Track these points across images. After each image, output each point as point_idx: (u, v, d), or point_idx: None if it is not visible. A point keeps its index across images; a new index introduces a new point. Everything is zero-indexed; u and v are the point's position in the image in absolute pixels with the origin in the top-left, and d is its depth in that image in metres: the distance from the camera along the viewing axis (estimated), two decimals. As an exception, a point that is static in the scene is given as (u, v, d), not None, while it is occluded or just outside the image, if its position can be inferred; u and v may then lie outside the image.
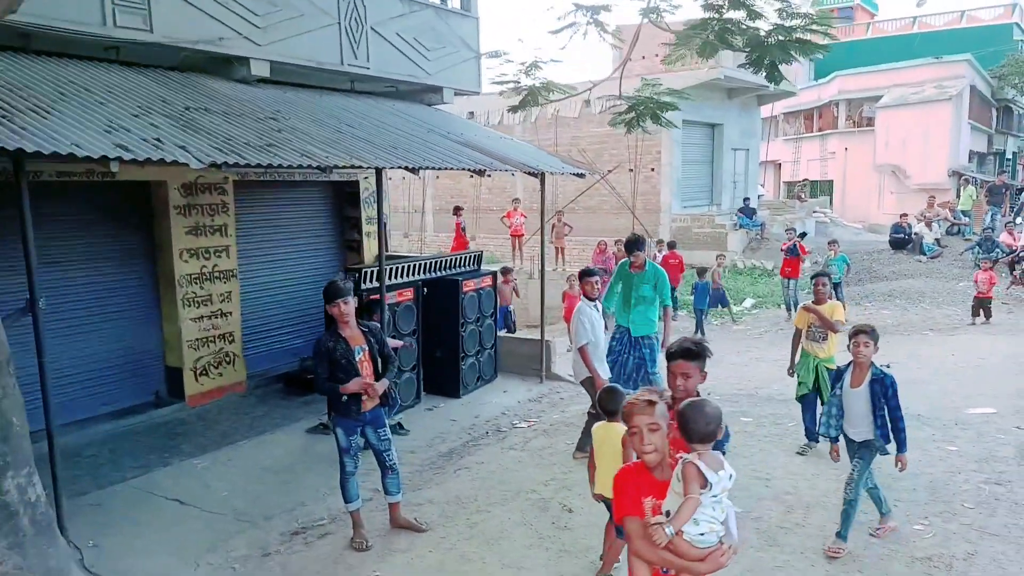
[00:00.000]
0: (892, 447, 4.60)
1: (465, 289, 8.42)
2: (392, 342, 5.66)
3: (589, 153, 21.79)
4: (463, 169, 6.92)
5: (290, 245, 9.41)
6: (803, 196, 25.75)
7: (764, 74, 7.70)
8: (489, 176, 7.99)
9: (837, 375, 4.97)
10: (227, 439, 7.20)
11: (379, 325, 5.30)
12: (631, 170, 21.18)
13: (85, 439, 7.08)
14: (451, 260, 8.70)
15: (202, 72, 7.32)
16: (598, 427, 4.36)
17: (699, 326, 12.01)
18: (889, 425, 4.57)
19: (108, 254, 7.63)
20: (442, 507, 5.50)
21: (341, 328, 4.83)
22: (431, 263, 8.46)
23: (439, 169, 6.45)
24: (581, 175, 8.80)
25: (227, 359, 8.42)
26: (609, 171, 21.09)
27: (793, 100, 32.92)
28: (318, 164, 5.43)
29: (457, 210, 15.88)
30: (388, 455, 5.07)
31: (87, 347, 7.45)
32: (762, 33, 7.45)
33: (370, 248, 10.14)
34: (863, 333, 4.65)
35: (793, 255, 12.67)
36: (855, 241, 22.49)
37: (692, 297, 12.67)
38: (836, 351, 6.32)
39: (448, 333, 8.41)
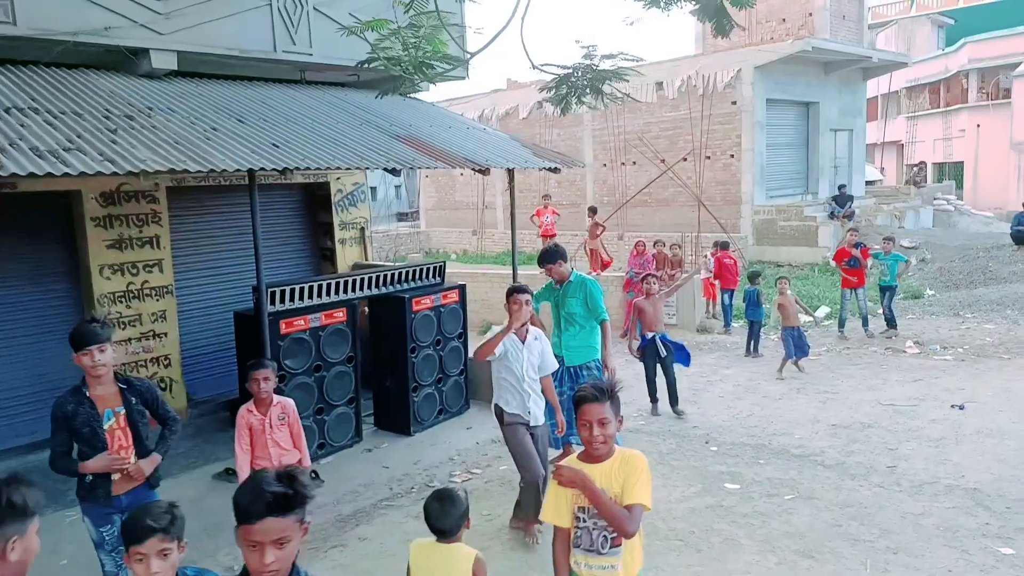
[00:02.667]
0: None
1: (416, 307, 7.18)
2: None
3: (662, 140, 19.91)
4: (368, 168, 5.67)
5: (246, 255, 8.50)
6: (919, 181, 22.46)
7: (712, 24, 5.94)
8: (482, 173, 6.65)
9: None
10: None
11: (149, 381, 4.04)
12: (708, 157, 19.12)
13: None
14: (406, 273, 7.48)
15: (94, 68, 6.47)
16: (417, 547, 3.06)
17: (752, 340, 10.12)
18: None
19: (18, 272, 6.99)
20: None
21: (89, 385, 3.74)
22: (381, 276, 7.28)
23: (318, 169, 5.24)
24: (554, 169, 7.32)
25: (162, 385, 7.63)
26: (684, 158, 19.18)
27: (915, 72, 29.19)
28: (129, 170, 4.37)
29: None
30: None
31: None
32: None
33: (344, 256, 9.10)
34: None
35: (853, 266, 10.45)
36: (979, 234, 19.27)
37: (744, 305, 10.75)
38: None
39: (398, 360, 7.22)
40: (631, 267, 11.75)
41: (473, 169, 6.45)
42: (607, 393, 2.80)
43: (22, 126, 4.65)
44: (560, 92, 6.28)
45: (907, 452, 6.20)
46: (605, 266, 13.61)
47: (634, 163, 20.57)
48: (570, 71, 6.09)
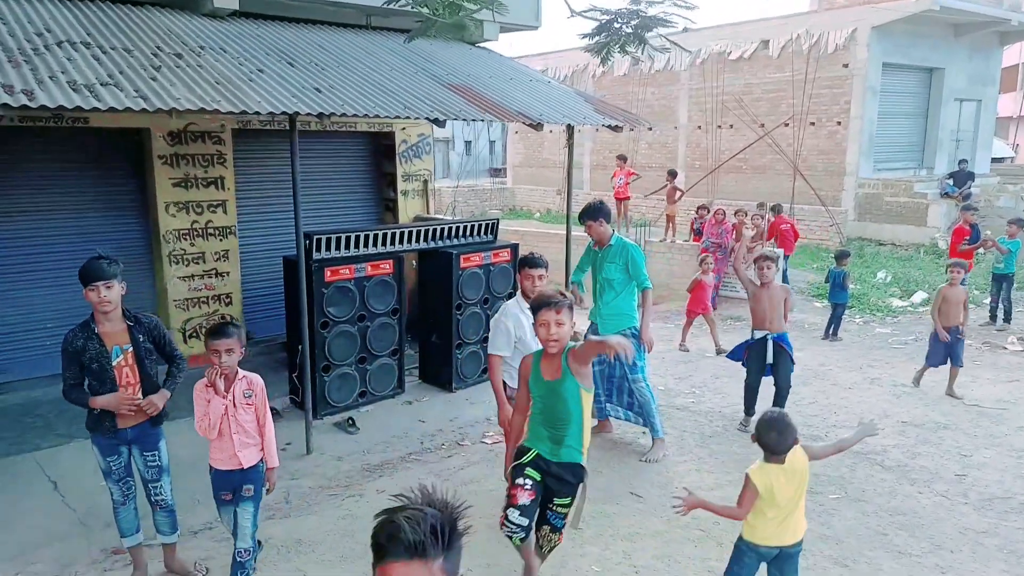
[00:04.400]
0: None
1: (464, 264, 7.02)
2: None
3: (763, 103, 18.79)
4: (409, 117, 5.47)
5: (310, 200, 8.56)
6: (1055, 160, 20.29)
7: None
8: (535, 128, 6.37)
9: None
10: (176, 411, 6.59)
11: (157, 319, 4.08)
12: (812, 124, 17.92)
13: (50, 395, 6.85)
14: (457, 228, 7.31)
15: (159, 5, 6.53)
16: (756, 471, 3.26)
17: (834, 324, 9.43)
18: None
19: (93, 204, 7.28)
20: (276, 549, 4.34)
21: (97, 321, 3.78)
22: (430, 231, 7.15)
23: (355, 116, 5.09)
24: (615, 128, 6.88)
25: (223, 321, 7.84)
26: (785, 123, 18.03)
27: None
28: (159, 107, 4.36)
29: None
30: (155, 487, 3.98)
31: (66, 299, 7.18)
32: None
33: (406, 208, 9.03)
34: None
35: (973, 243, 9.45)
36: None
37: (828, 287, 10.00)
38: None
39: (442, 316, 7.11)
40: (708, 236, 11.16)
41: (525, 123, 6.15)
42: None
43: (68, 60, 4.72)
44: (601, 41, 5.81)
45: (982, 460, 5.59)
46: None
47: (731, 126, 19.54)
48: (612, 17, 5.62)
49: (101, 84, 4.45)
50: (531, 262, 4.48)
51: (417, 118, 5.49)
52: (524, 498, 3.52)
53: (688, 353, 8.92)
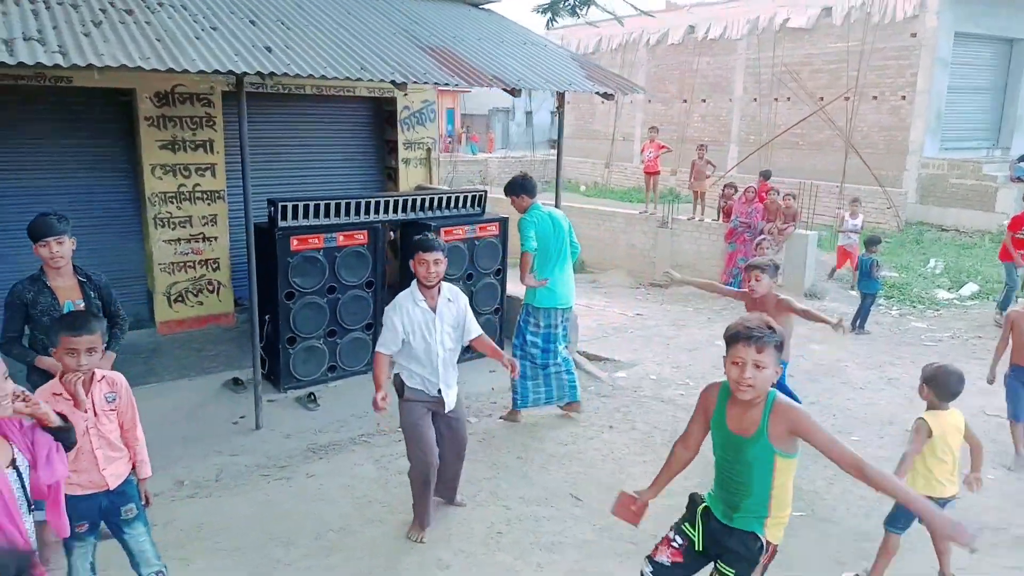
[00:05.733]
0: None
1: (445, 238, 6.66)
2: None
3: (823, 75, 17.66)
4: (363, 79, 5.13)
5: (308, 168, 8.37)
6: None
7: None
8: (512, 94, 6.03)
9: None
10: (151, 376, 6.56)
11: (106, 278, 4.04)
12: (874, 98, 16.75)
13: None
14: (442, 200, 6.97)
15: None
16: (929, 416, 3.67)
17: (861, 315, 8.73)
18: None
19: (81, 165, 7.23)
20: (175, 533, 4.17)
21: (49, 276, 3.73)
22: (410, 201, 6.84)
23: (298, 76, 4.79)
24: (607, 95, 6.34)
25: (210, 287, 7.77)
26: (845, 97, 16.88)
27: None
28: (75, 63, 4.16)
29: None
30: None
31: (51, 260, 7.20)
32: None
33: (408, 177, 8.73)
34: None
35: None
36: None
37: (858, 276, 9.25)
38: None
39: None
40: (737, 215, 10.48)
41: (502, 88, 5.73)
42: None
43: (4, 14, 4.55)
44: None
45: (984, 483, 4.96)
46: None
47: (788, 99, 18.48)
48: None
49: (25, 39, 4.27)
50: (425, 244, 3.89)
51: (372, 80, 5.14)
52: (664, 556, 2.89)
53: (696, 340, 8.38)
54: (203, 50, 4.77)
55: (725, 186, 11.39)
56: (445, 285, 4.06)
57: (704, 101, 21.02)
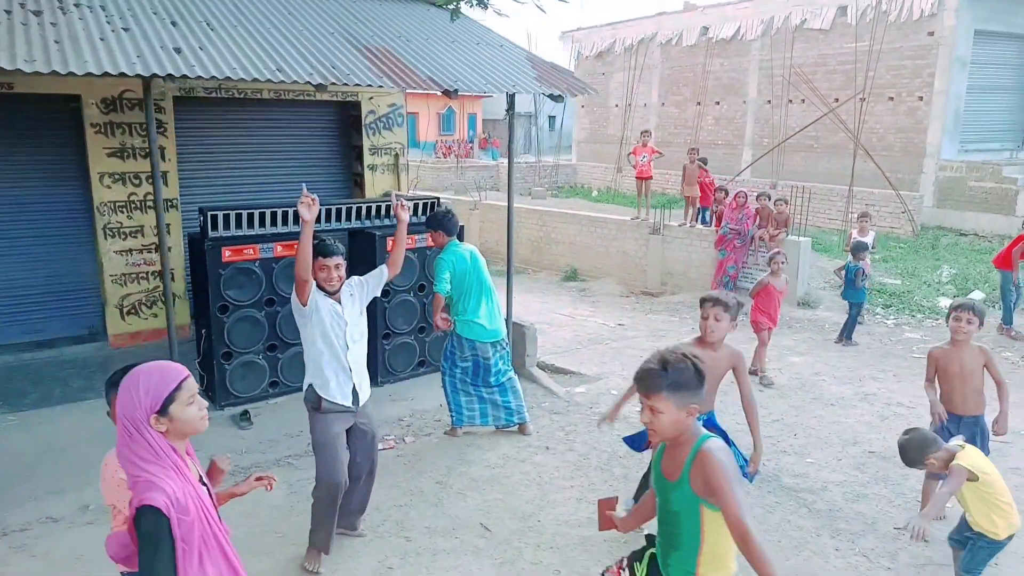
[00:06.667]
0: None
1: (390, 247, 6.38)
2: None
3: (838, 75, 17.05)
4: (282, 81, 4.86)
5: (268, 175, 8.16)
6: None
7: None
8: (449, 96, 5.70)
9: None
10: (90, 392, 6.37)
11: None
12: (890, 99, 16.10)
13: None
14: (388, 208, 6.68)
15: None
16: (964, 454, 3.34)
17: (848, 327, 8.20)
18: None
19: (30, 174, 7.10)
20: (49, 563, 3.92)
21: None
22: (355, 209, 6.57)
23: (213, 78, 4.55)
24: (556, 97, 5.97)
25: (163, 300, 7.58)
26: (862, 98, 16.23)
27: None
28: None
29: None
30: None
31: (0, 271, 7.08)
32: None
33: (374, 183, 8.47)
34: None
35: None
36: None
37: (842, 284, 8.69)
38: None
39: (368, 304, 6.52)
40: (727, 221, 10.02)
41: (436, 91, 5.41)
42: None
43: None
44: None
45: (951, 511, 4.50)
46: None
47: (802, 101, 17.88)
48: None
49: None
50: (323, 250, 3.71)
51: (292, 81, 4.87)
52: None
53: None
54: (103, 52, 4.55)
55: (715, 190, 10.92)
56: (349, 280, 3.96)
57: (718, 103, 20.48)
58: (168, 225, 7.38)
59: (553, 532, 4.17)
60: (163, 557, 1.92)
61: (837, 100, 16.75)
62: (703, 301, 3.74)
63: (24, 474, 4.97)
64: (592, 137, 25.04)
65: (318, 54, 5.40)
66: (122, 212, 7.26)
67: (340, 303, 3.85)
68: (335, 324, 3.80)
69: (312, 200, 3.67)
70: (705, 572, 2.30)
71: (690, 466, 2.23)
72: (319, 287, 3.80)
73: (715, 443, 2.25)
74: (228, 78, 4.64)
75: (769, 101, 18.87)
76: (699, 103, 20.91)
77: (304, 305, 3.77)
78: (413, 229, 6.64)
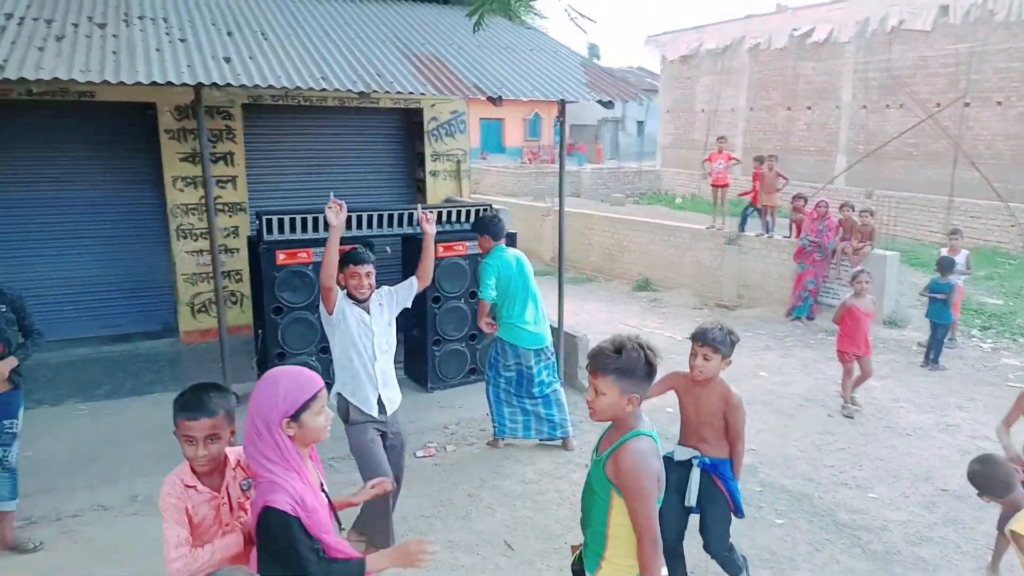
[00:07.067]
0: None
1: (444, 253, 6.35)
2: None
3: (940, 79, 15.98)
4: (325, 89, 4.89)
5: (332, 180, 8.27)
6: None
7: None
8: (494, 103, 5.68)
9: None
10: (157, 385, 6.63)
11: (20, 292, 4.02)
12: (998, 103, 14.96)
13: (60, 359, 7.18)
14: (445, 214, 6.64)
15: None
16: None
17: (934, 349, 7.56)
18: None
19: (107, 178, 7.48)
20: (91, 552, 4.05)
21: None
22: (408, 215, 6.55)
23: (256, 87, 4.64)
24: (607, 104, 5.75)
25: (232, 298, 7.85)
26: (966, 103, 15.15)
27: None
28: (7, 77, 4.17)
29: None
30: (4, 450, 3.93)
31: (80, 268, 7.48)
32: None
33: (436, 190, 8.49)
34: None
35: None
36: None
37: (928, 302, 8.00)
38: None
39: (419, 309, 6.51)
40: (807, 232, 9.49)
41: (481, 98, 5.34)
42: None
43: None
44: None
45: (1011, 560, 4.02)
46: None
47: (901, 106, 16.84)
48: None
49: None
50: (355, 257, 3.77)
51: (334, 89, 4.89)
52: None
53: (736, 370, 7.48)
54: (156, 63, 4.71)
55: (794, 197, 10.36)
56: (380, 290, 3.98)
57: (809, 108, 19.58)
58: (236, 228, 7.69)
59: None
60: (305, 552, 1.93)
61: (939, 105, 15.68)
62: (694, 337, 3.38)
63: (85, 462, 5.18)
64: (677, 143, 24.45)
65: (365, 62, 5.42)
66: (193, 214, 7.54)
67: (368, 312, 3.84)
68: (362, 333, 3.79)
69: (340, 206, 3.67)
70: (613, 556, 2.30)
71: (612, 452, 2.27)
72: (349, 295, 3.81)
73: (643, 443, 2.25)
74: (271, 86, 4.71)
75: (864, 106, 17.88)
76: (789, 108, 20.05)
77: (330, 314, 3.76)
78: (463, 236, 6.62)
